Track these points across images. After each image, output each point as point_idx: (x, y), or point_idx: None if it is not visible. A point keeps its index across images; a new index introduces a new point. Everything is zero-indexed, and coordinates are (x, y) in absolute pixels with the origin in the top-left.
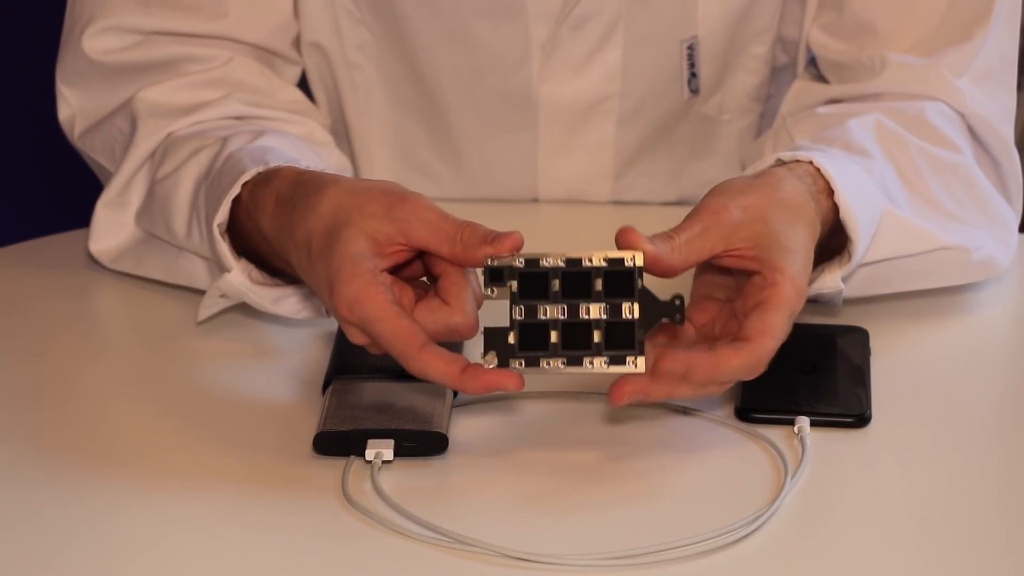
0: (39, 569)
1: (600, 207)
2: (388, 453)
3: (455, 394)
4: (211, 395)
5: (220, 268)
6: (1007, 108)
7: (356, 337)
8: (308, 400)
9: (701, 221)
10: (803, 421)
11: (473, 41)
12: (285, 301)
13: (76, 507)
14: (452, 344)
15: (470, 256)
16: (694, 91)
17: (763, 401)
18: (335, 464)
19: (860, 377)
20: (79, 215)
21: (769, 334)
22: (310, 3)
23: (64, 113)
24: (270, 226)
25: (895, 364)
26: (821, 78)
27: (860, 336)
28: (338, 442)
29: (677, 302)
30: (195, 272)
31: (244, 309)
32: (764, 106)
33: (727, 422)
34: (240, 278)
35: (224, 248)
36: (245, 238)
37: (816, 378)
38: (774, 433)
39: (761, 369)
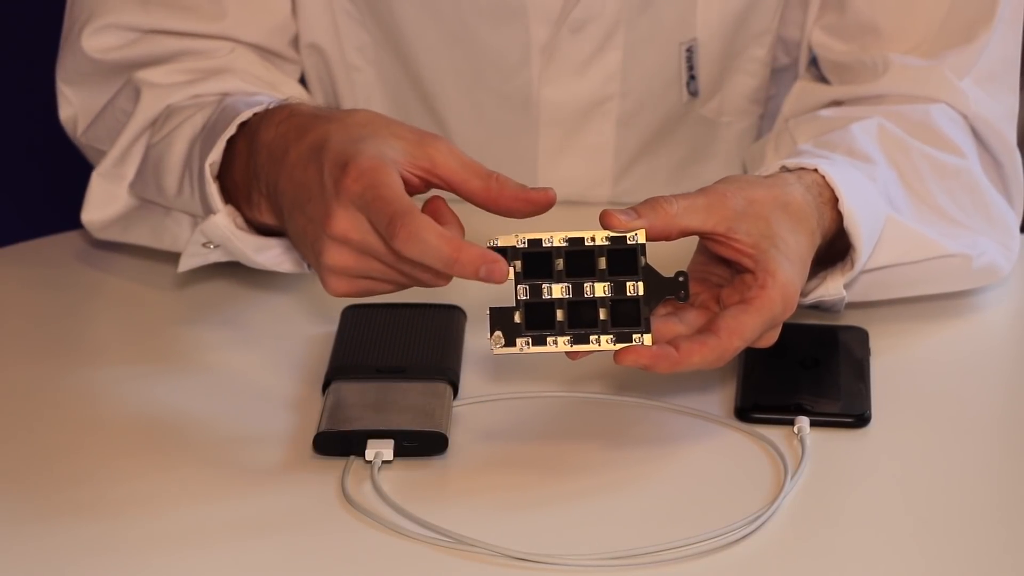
0: (38, 570)
1: (602, 208)
2: (388, 453)
3: (455, 394)
4: (210, 395)
5: (206, 215)
6: (1010, 109)
7: (343, 223)
8: (308, 400)
9: (706, 197)
10: (803, 421)
11: (473, 43)
12: (267, 251)
13: (74, 507)
14: (452, 327)
15: (506, 195)
16: (693, 93)
17: (763, 401)
18: (335, 464)
19: (860, 377)
20: (80, 215)
21: (739, 334)
22: (308, 3)
23: (65, 112)
24: (271, 134)
25: (895, 364)
26: (823, 79)
27: (860, 336)
28: (338, 442)
29: (681, 278)
30: (180, 234)
31: (244, 306)
32: (764, 108)
33: (727, 422)
34: (226, 221)
35: (213, 189)
36: (229, 184)
37: (816, 378)
38: (774, 433)
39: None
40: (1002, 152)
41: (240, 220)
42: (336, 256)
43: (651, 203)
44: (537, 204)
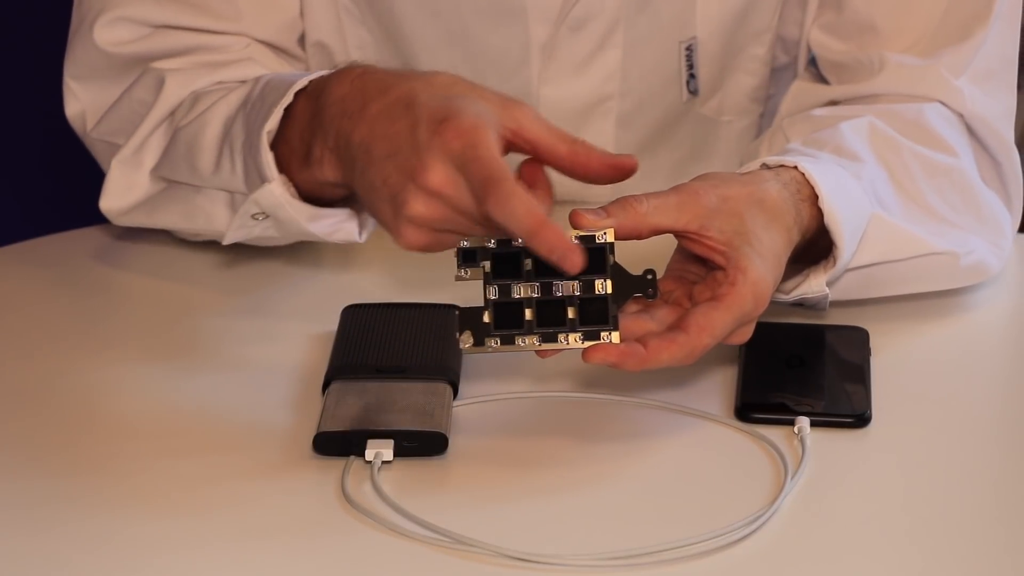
0: (38, 568)
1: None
2: (388, 453)
3: (455, 394)
4: (210, 395)
5: (257, 184)
6: (1007, 108)
7: (439, 177)
8: (308, 400)
9: (678, 195)
10: (803, 421)
11: (473, 42)
12: (321, 221)
13: (75, 506)
14: (452, 327)
15: (594, 158)
16: (693, 92)
17: (763, 401)
18: (335, 464)
19: (860, 377)
20: (85, 214)
21: (708, 331)
22: (314, 1)
23: (72, 109)
24: (345, 89)
25: (895, 364)
26: (821, 78)
27: (860, 336)
28: (338, 442)
29: (649, 276)
30: (215, 212)
31: (244, 306)
32: (763, 107)
33: (727, 422)
34: (281, 189)
35: (269, 158)
36: (287, 155)
37: (816, 378)
38: (774, 433)
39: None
40: (1000, 151)
41: (292, 190)
42: (423, 208)
43: (621, 202)
44: (623, 169)
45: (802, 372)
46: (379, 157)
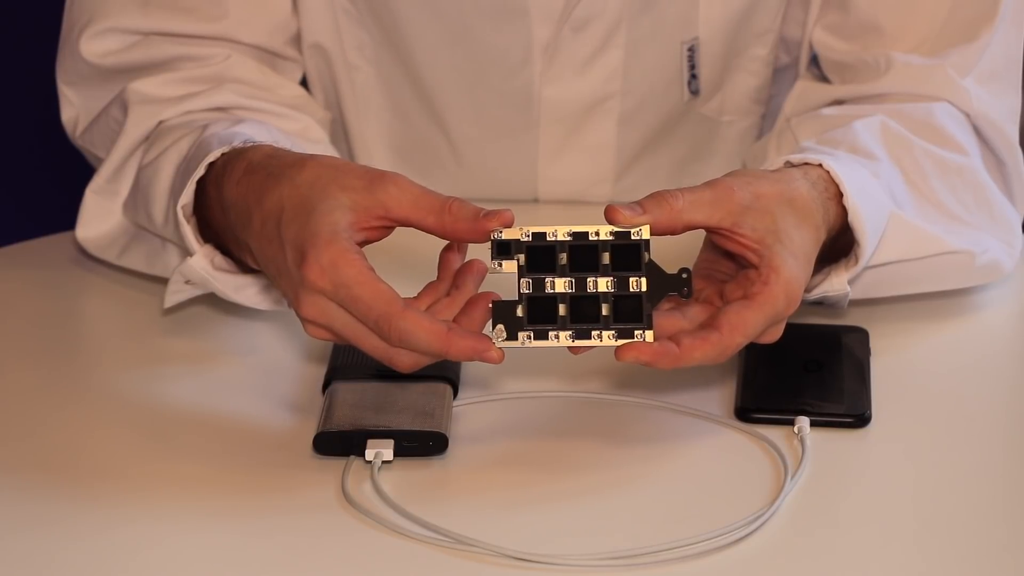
0: (37, 567)
1: (602, 207)
2: (388, 453)
3: (455, 394)
4: (210, 395)
5: (186, 254)
6: (1013, 108)
7: (312, 310)
8: (308, 400)
9: (712, 191)
10: (803, 421)
11: (474, 43)
12: (246, 290)
13: (76, 506)
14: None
15: (460, 228)
16: (694, 92)
17: (763, 401)
18: (335, 464)
19: (860, 377)
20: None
21: (741, 330)
22: (310, 3)
23: (68, 113)
24: (233, 193)
25: (895, 364)
26: (823, 78)
27: (860, 336)
28: (338, 442)
29: (684, 275)
30: (171, 263)
31: (243, 306)
32: (765, 107)
33: (727, 422)
34: (202, 263)
35: (187, 231)
36: (211, 224)
37: (816, 378)
38: (774, 433)
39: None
40: (1004, 150)
41: (218, 259)
42: (313, 329)
43: (656, 198)
44: (490, 229)
45: (802, 372)
46: (272, 275)
